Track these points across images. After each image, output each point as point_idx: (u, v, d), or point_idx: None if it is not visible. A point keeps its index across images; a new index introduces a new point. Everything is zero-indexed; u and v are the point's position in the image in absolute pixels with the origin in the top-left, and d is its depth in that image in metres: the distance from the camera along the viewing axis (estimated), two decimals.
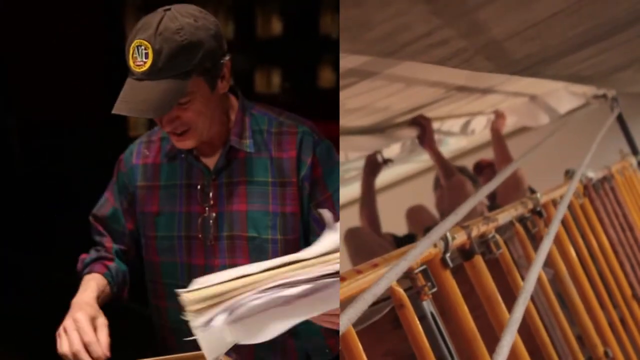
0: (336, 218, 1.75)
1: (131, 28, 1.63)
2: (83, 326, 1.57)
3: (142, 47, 1.57)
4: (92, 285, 1.73)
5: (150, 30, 1.57)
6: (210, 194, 1.75)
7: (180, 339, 1.66)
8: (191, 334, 1.55)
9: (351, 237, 3.61)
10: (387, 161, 3.85)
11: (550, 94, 4.40)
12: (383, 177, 5.52)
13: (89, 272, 1.79)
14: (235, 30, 3.67)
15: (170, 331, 1.85)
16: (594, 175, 3.24)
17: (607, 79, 4.22)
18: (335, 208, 1.71)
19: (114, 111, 1.59)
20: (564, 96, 4.45)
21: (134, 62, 1.58)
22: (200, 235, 1.77)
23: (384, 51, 2.04)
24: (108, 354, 1.56)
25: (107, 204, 1.89)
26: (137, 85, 1.59)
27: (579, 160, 2.98)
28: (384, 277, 1.25)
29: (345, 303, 1.38)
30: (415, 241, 3.77)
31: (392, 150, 4.12)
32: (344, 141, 3.34)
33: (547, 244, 2.01)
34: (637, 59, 3.71)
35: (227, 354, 1.55)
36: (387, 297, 1.54)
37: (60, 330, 1.59)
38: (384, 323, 1.74)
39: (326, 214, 1.35)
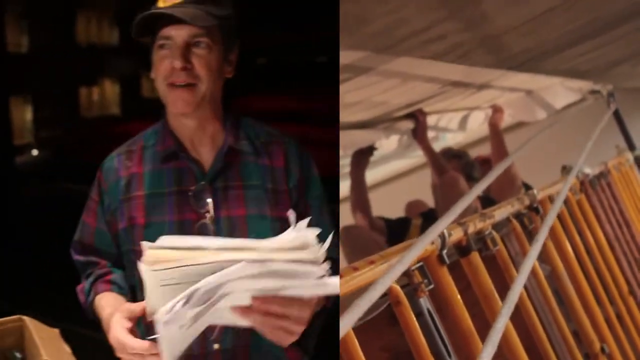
0: (326, 220, 1.75)
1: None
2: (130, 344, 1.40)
3: None
4: (102, 305, 1.63)
5: None
6: (206, 199, 1.66)
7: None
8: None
9: (347, 235, 3.62)
10: (371, 149, 3.86)
11: (547, 89, 4.39)
12: (380, 173, 5.54)
13: (94, 298, 1.69)
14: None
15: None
16: (590, 171, 3.24)
17: (604, 74, 4.22)
18: (315, 215, 1.67)
19: (152, 10, 1.58)
20: (561, 91, 4.44)
21: (164, 2, 1.60)
22: None
23: (382, 46, 2.04)
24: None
25: (88, 228, 1.76)
26: (165, 9, 1.59)
27: (576, 156, 2.97)
28: (378, 282, 1.24)
29: (343, 300, 1.38)
30: (408, 225, 3.83)
31: (389, 145, 4.12)
32: (341, 136, 3.33)
33: (540, 241, 2.01)
34: (634, 53, 3.71)
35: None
36: (384, 293, 1.53)
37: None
38: (380, 319, 1.73)
39: (290, 215, 1.33)
